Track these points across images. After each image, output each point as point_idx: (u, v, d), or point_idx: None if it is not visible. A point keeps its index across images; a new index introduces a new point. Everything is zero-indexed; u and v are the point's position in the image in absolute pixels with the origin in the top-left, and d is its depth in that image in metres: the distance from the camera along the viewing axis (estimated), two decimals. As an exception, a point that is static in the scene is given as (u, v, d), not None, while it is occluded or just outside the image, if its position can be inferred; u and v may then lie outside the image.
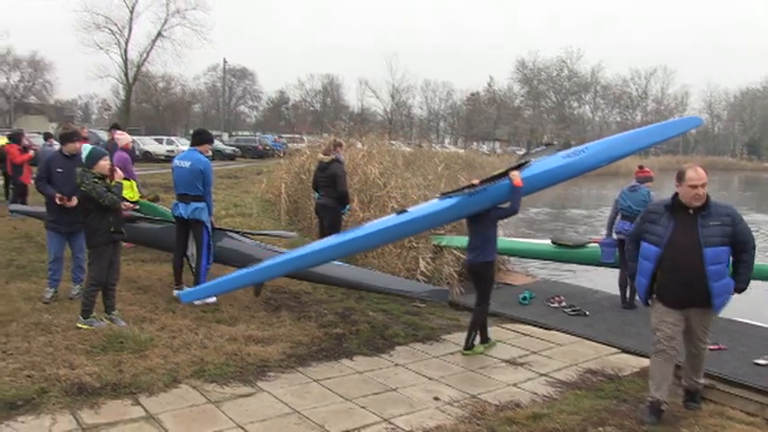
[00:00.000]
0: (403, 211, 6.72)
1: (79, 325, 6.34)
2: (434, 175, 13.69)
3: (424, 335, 7.02)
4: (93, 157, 6.49)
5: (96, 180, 6.35)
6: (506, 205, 6.35)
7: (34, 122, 54.08)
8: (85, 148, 6.66)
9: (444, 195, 6.67)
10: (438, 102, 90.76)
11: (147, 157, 36.60)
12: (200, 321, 6.81)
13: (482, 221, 6.43)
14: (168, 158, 37.32)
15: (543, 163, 6.55)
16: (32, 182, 14.13)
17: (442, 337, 7.02)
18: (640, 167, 8.65)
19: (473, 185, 6.37)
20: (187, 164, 7.59)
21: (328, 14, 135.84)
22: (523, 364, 6.25)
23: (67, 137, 7.34)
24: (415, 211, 6.68)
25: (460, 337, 6.93)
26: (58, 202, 7.05)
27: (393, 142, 19.41)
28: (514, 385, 5.69)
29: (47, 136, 16.66)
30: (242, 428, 4.62)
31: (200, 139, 7.89)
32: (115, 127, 12.95)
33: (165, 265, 9.08)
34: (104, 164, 6.50)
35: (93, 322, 6.38)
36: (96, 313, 6.49)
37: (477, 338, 6.59)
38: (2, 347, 5.80)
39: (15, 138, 14.35)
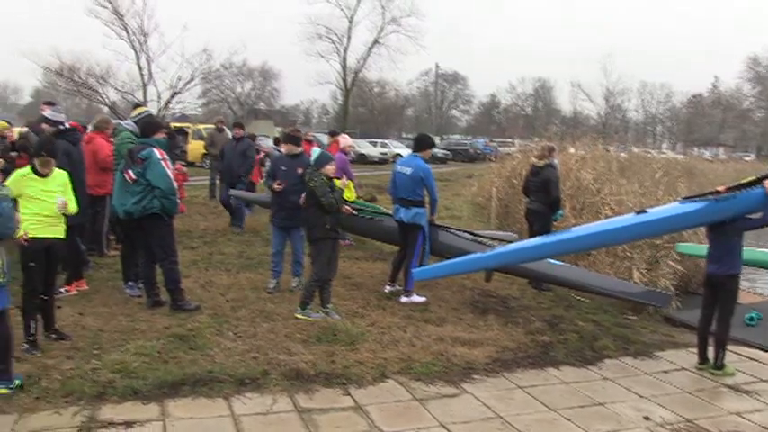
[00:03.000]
0: (642, 212, 6.47)
1: (297, 315, 6.77)
2: (651, 182, 13.01)
3: (635, 349, 6.69)
4: (322, 161, 6.96)
5: (324, 180, 6.79)
6: (757, 216, 5.88)
7: (262, 126, 58.39)
8: (315, 152, 7.20)
9: (686, 199, 6.35)
10: (655, 105, 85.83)
11: (362, 159, 38.16)
12: (408, 320, 6.99)
13: (726, 231, 6.01)
14: (382, 161, 38.86)
15: None
16: (261, 180, 15.37)
17: (655, 353, 6.64)
18: None
19: (718, 192, 5.99)
20: (408, 170, 7.81)
21: (540, 17, 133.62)
22: (750, 393, 5.73)
23: (287, 138, 8.04)
24: (655, 212, 6.40)
25: (675, 355, 6.55)
26: (275, 188, 7.69)
27: (608, 147, 18.68)
28: (738, 414, 5.24)
29: (276, 141, 17.98)
30: (445, 428, 4.69)
31: (422, 144, 8.10)
32: (334, 133, 13.69)
33: (378, 263, 9.46)
34: (331, 168, 6.95)
35: (311, 314, 6.79)
36: (313, 306, 6.90)
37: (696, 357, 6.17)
38: (233, 330, 6.38)
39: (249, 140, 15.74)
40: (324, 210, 6.75)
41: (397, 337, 6.41)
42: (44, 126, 7.68)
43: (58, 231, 5.79)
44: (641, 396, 5.49)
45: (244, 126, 13.11)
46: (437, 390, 5.35)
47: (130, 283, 7.43)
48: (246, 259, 9.63)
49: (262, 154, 15.18)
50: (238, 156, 12.03)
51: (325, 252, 6.87)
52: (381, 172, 31.00)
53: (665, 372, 6.13)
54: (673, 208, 6.39)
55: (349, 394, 5.16)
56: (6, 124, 10.68)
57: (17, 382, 4.82)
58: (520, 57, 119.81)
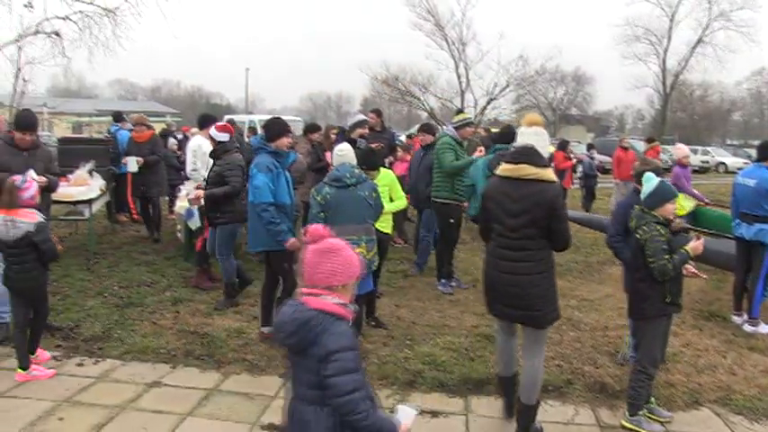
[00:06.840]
0: None
1: (624, 423, 4.73)
2: None
3: None
4: (657, 196, 4.66)
5: (657, 229, 4.59)
6: None
7: (573, 132, 57.80)
8: (649, 179, 4.74)
9: None
10: None
11: (681, 167, 35.90)
12: (729, 344, 6.41)
13: None
14: (702, 169, 36.30)
15: None
16: (571, 186, 15.23)
17: None
18: None
19: None
20: (751, 182, 6.91)
21: None
22: None
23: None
24: None
25: None
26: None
27: None
28: None
29: (590, 147, 17.66)
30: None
31: (767, 152, 7.02)
32: (651, 140, 13.03)
33: (697, 280, 8.75)
34: (671, 207, 4.66)
35: (643, 424, 4.69)
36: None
37: None
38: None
39: (562, 146, 15.75)
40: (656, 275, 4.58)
41: (714, 362, 5.91)
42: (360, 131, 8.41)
43: (386, 227, 6.43)
44: None
45: (434, 130, 9.31)
46: (762, 429, 4.79)
47: (443, 281, 7.79)
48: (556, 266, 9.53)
49: (574, 160, 15.06)
50: (425, 171, 8.32)
51: (658, 331, 4.80)
52: (700, 182, 28.80)
53: None
54: None
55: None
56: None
57: None
58: None
